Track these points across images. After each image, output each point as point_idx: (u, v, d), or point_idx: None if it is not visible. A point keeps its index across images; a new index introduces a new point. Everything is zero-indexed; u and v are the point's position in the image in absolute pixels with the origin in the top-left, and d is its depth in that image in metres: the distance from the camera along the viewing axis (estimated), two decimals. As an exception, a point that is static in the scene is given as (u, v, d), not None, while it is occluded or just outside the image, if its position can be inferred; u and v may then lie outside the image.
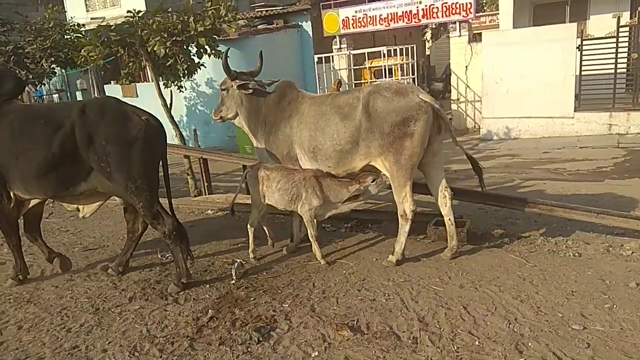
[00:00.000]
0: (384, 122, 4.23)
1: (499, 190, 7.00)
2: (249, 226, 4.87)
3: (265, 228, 5.06)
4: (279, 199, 4.58)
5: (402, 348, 3.19)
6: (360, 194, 4.38)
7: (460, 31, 12.52)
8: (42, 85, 15.79)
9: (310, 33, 15.04)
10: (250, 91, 4.92)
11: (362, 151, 4.41)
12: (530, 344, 3.12)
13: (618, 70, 10.40)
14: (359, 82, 13.61)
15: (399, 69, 13.01)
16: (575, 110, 10.52)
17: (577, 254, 4.48)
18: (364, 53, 13.52)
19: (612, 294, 3.67)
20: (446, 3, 12.41)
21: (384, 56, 12.70)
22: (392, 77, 12.76)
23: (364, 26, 13.60)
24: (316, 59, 13.46)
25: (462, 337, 3.26)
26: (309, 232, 4.57)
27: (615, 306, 3.50)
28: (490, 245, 4.82)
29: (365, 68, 13.67)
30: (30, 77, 13.22)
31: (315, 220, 4.58)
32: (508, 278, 4.06)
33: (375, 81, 12.40)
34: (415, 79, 13.02)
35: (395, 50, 12.75)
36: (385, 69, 12.76)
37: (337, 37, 14.01)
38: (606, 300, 3.60)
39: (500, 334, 3.26)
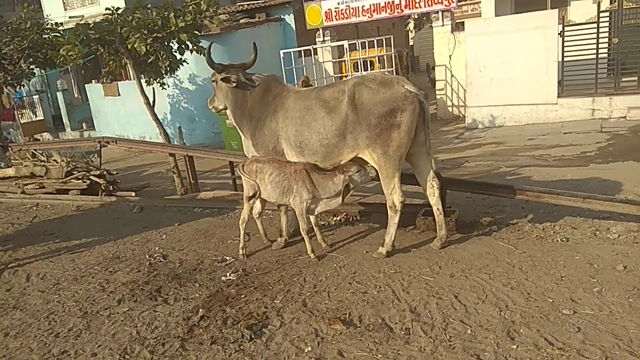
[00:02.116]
0: (371, 114, 4.20)
1: (486, 178, 7.03)
2: (240, 222, 4.83)
3: (259, 224, 5.04)
4: (271, 191, 4.55)
5: (395, 339, 3.18)
6: (347, 184, 4.36)
7: (442, 21, 12.50)
8: (22, 87, 15.48)
9: (293, 26, 14.92)
10: (234, 85, 4.86)
11: (350, 144, 4.38)
12: (521, 330, 3.14)
13: (600, 56, 10.48)
14: (339, 75, 13.38)
15: (377, 61, 12.81)
16: (558, 97, 10.57)
17: (564, 239, 4.52)
18: (343, 46, 13.18)
19: (600, 278, 3.71)
20: (428, -8, 12.38)
21: (361, 48, 12.48)
22: (371, 69, 12.59)
23: (347, 18, 13.51)
24: (282, 54, 12.46)
25: (454, 326, 3.27)
26: (300, 225, 4.55)
27: (604, 290, 3.54)
28: (479, 234, 4.83)
29: (344, 61, 13.45)
30: (9, 78, 12.95)
31: (306, 214, 4.56)
32: (497, 265, 4.08)
33: (354, 74, 12.18)
34: (394, 70, 12.86)
35: (373, 41, 12.55)
36: (360, 61, 12.52)
37: (321, 29, 13.91)
38: (595, 284, 3.63)
39: (491, 322, 3.27)
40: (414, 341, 3.15)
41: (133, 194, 7.65)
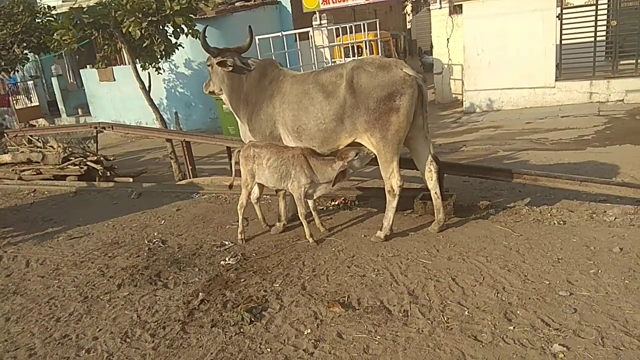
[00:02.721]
0: (369, 98, 4.18)
1: (483, 162, 7.05)
2: (238, 207, 4.84)
3: (257, 210, 5.04)
4: (269, 176, 4.56)
5: (394, 321, 3.22)
6: (345, 169, 4.36)
7: (440, 3, 12.39)
8: (16, 72, 15.33)
9: (290, 9, 14.77)
10: (230, 69, 4.83)
11: (348, 128, 4.37)
12: (518, 312, 3.18)
13: (598, 38, 10.44)
14: (325, 61, 12.54)
15: (365, 46, 12.30)
16: (556, 80, 10.55)
17: (561, 222, 4.54)
18: (334, 30, 12.38)
19: (596, 260, 3.74)
20: (426, -25, 12.25)
21: (349, 33, 11.80)
22: (358, 55, 11.95)
23: (343, 1, 13.38)
24: (258, 40, 11.33)
25: (451, 308, 3.30)
26: (298, 210, 4.56)
27: (600, 271, 3.57)
28: (476, 217, 4.85)
29: (335, 46, 12.76)
30: (3, 64, 12.83)
31: (304, 199, 4.57)
32: (495, 248, 4.11)
33: (340, 60, 11.46)
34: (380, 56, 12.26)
35: (358, 26, 11.71)
36: (351, 47, 11.83)
37: (317, 12, 13.78)
38: (591, 266, 3.67)
39: (489, 304, 3.31)
40: (412, 323, 3.19)
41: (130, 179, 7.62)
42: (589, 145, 7.43)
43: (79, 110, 16.81)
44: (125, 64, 13.01)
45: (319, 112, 4.40)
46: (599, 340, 2.83)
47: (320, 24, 13.83)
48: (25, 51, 12.85)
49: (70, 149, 8.19)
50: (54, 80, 17.12)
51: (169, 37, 9.68)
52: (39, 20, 12.63)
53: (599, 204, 4.90)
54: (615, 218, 4.50)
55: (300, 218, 4.57)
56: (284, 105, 4.61)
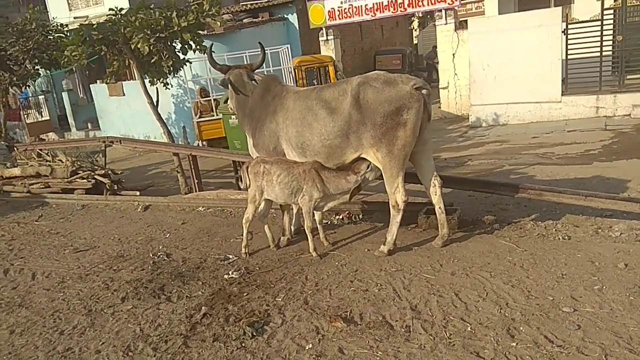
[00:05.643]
0: (376, 113, 4.20)
1: (489, 176, 7.03)
2: (244, 221, 4.84)
3: (266, 229, 4.98)
4: (279, 192, 4.56)
5: (396, 337, 3.20)
6: (359, 184, 4.38)
7: (446, 19, 12.49)
8: (27, 87, 15.59)
9: (297, 25, 14.95)
10: (227, 89, 4.89)
11: (353, 144, 4.38)
12: (521, 328, 3.15)
13: (604, 53, 10.45)
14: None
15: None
16: (562, 95, 10.55)
17: (566, 237, 4.51)
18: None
19: (601, 276, 3.71)
20: (431, -9, 12.36)
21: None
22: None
23: (350, 17, 13.53)
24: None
25: (454, 324, 3.28)
26: (305, 223, 4.56)
27: (604, 287, 3.54)
28: (480, 232, 4.84)
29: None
30: (15, 79, 13.05)
31: (313, 212, 4.58)
32: (499, 263, 4.09)
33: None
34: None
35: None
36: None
37: (324, 28, 13.93)
38: (596, 281, 3.63)
39: (492, 319, 3.28)
40: (414, 339, 3.17)
41: (137, 193, 7.70)
42: (595, 160, 7.40)
43: (89, 124, 17.02)
44: (135, 79, 13.19)
45: (322, 128, 4.42)
46: (602, 358, 2.80)
47: (327, 40, 13.98)
48: (36, 67, 13.08)
49: (78, 163, 8.29)
50: (65, 95, 17.38)
51: (177, 53, 9.81)
52: (51, 37, 12.87)
53: (604, 219, 4.86)
54: (621, 233, 4.47)
55: (307, 231, 4.57)
56: (287, 122, 4.65)
